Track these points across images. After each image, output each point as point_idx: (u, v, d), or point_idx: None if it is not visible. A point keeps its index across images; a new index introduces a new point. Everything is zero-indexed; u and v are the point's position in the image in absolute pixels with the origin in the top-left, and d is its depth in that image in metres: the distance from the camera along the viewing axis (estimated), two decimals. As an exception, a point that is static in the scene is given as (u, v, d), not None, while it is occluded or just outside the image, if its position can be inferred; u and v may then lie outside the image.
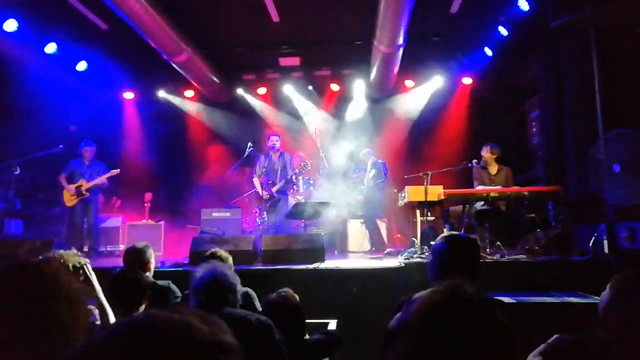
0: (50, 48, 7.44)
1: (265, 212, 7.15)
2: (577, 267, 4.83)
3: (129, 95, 9.31)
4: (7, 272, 1.31)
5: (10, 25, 6.60)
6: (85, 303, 1.29)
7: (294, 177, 7.26)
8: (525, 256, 5.29)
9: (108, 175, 6.99)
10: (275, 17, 7.40)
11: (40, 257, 1.39)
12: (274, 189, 7.02)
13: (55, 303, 1.24)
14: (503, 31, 7.39)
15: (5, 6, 6.39)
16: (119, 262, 5.58)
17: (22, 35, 6.83)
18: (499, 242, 5.51)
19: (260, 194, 7.11)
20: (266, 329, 2.26)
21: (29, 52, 7.29)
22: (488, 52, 8.08)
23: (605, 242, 5.11)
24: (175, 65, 7.87)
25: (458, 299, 1.02)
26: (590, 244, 5.09)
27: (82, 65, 8.23)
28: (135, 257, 3.53)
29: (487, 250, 5.35)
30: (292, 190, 7.77)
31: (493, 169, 6.33)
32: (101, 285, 2.59)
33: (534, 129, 8.21)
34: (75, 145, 7.12)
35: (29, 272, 1.28)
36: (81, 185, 6.78)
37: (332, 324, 3.64)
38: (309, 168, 7.17)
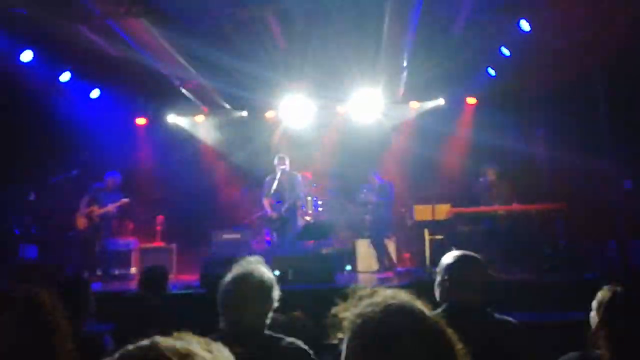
0: (65, 77, 7.67)
1: (274, 233, 7.20)
2: (587, 286, 4.78)
3: (141, 120, 9.51)
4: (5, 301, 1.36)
5: (27, 56, 6.83)
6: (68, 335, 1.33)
7: (302, 197, 7.31)
8: (533, 275, 5.28)
9: (118, 204, 7.09)
10: (282, 43, 7.58)
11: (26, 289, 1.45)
12: (282, 209, 7.07)
13: (49, 335, 1.29)
14: (506, 51, 7.49)
15: (21, 38, 6.62)
16: (131, 285, 5.68)
17: (38, 65, 7.05)
18: (506, 261, 5.51)
19: (269, 214, 7.15)
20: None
21: (44, 81, 7.52)
22: (491, 72, 8.20)
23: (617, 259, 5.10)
24: (185, 91, 8.07)
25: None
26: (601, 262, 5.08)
27: (95, 93, 8.47)
28: (152, 278, 3.68)
29: (495, 268, 5.34)
30: (300, 211, 7.82)
31: (495, 185, 6.41)
32: (112, 309, 2.67)
33: (540, 147, 8.24)
34: (87, 170, 7.27)
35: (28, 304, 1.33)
36: (93, 211, 6.90)
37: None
38: (315, 187, 7.25)
